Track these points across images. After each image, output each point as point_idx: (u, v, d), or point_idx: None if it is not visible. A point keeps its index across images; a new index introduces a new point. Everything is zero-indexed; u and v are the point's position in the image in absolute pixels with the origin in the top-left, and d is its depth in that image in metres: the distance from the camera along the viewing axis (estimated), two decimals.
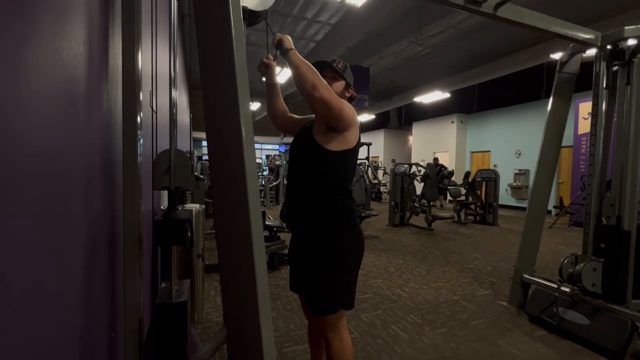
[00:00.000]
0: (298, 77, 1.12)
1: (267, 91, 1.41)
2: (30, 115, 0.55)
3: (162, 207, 2.06)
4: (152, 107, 1.67)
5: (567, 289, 2.16)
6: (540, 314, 2.24)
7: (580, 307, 2.10)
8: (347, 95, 1.30)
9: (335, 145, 1.17)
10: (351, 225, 1.21)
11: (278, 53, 1.25)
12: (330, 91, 1.11)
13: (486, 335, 2.13)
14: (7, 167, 0.48)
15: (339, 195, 1.19)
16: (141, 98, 1.16)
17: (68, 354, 0.71)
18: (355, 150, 1.23)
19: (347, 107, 1.17)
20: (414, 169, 6.85)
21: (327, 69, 1.26)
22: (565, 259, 2.25)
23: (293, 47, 1.20)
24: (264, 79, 1.37)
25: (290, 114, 1.46)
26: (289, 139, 13.53)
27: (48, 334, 0.62)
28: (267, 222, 3.52)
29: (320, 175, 1.18)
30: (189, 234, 1.12)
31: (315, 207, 1.19)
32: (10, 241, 0.49)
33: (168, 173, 1.11)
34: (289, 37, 1.22)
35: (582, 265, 2.07)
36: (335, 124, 1.16)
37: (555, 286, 2.23)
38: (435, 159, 8.73)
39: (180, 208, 1.17)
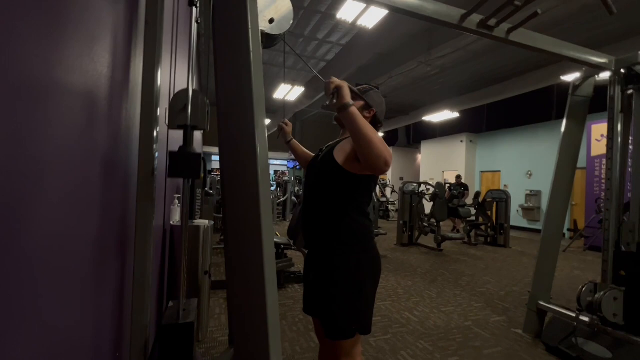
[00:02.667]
0: (369, 148, 0.98)
1: (288, 147, 1.60)
2: (55, 129, 0.56)
3: (172, 222, 2.07)
4: (166, 124, 1.71)
5: (586, 319, 2.06)
6: (559, 345, 2.13)
7: (601, 338, 1.99)
8: (367, 115, 1.27)
9: (355, 169, 1.16)
10: (369, 247, 1.19)
11: (329, 104, 1.06)
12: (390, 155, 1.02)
13: None
14: (32, 177, 0.49)
15: (357, 216, 1.18)
16: (158, 114, 1.19)
17: None
18: (374, 177, 1.22)
19: (389, 152, 1.07)
20: (422, 187, 6.78)
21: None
22: (583, 287, 2.16)
23: (352, 102, 1.03)
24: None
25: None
26: None
27: (53, 351, 0.60)
28: (274, 239, 3.50)
29: (340, 196, 1.17)
30: (202, 174, 1.11)
31: (333, 228, 1.18)
32: (22, 254, 0.49)
33: (185, 111, 1.10)
34: (347, 86, 1.02)
35: (602, 293, 1.98)
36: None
37: (574, 315, 2.13)
38: (458, 177, 8.42)
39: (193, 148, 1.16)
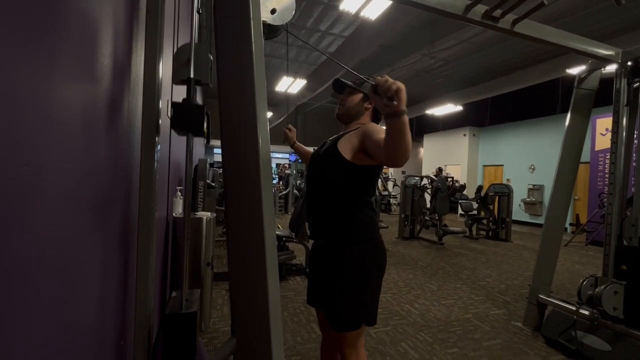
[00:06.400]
0: (401, 147, 0.94)
1: (293, 149, 1.67)
2: (57, 122, 0.56)
3: (174, 214, 2.08)
4: (169, 116, 1.70)
5: (586, 312, 2.07)
6: (558, 337, 2.15)
7: (601, 331, 2.00)
8: (368, 106, 1.28)
9: (359, 161, 1.16)
10: (374, 238, 1.20)
11: (393, 102, 0.88)
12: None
13: (500, 357, 2.05)
14: (33, 173, 0.49)
15: (361, 208, 1.18)
16: (160, 106, 1.18)
17: (80, 358, 0.71)
18: (377, 169, 1.22)
19: None
20: (425, 181, 6.77)
21: (345, 87, 1.27)
22: (584, 280, 2.16)
23: (406, 110, 0.91)
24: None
25: None
26: None
27: (60, 339, 0.62)
28: (276, 232, 3.51)
29: (344, 189, 1.18)
30: (206, 128, 1.10)
31: (338, 220, 1.18)
32: (26, 245, 0.50)
33: (188, 65, 1.10)
34: (404, 91, 0.88)
35: (602, 287, 1.98)
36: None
37: (574, 308, 2.14)
38: (439, 170, 8.34)
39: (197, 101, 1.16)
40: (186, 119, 1.08)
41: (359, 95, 1.27)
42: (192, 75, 1.11)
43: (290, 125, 1.71)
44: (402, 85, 0.86)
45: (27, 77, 0.47)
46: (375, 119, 1.32)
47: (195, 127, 1.09)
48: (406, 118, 0.90)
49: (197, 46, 1.12)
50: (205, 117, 1.10)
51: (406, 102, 0.88)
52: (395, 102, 0.86)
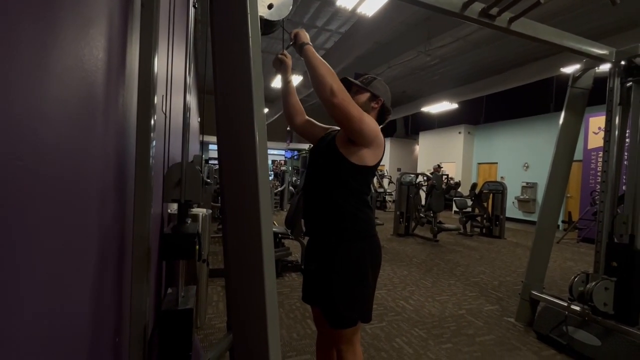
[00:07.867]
0: (316, 78, 1.09)
1: (281, 88, 1.43)
2: (51, 118, 0.55)
3: (169, 210, 2.06)
4: (164, 112, 1.69)
5: (577, 308, 2.11)
6: (549, 333, 2.19)
7: (591, 327, 2.04)
8: (375, 106, 1.27)
9: (355, 158, 1.16)
10: (370, 236, 1.21)
11: (291, 44, 1.24)
12: (350, 99, 1.09)
13: (493, 352, 2.08)
14: (27, 169, 0.48)
15: (358, 205, 1.19)
16: (155, 102, 1.17)
17: (75, 355, 0.71)
18: (373, 169, 1.22)
19: (370, 122, 1.14)
20: (420, 178, 6.81)
21: (352, 86, 1.28)
22: (575, 277, 2.20)
23: (309, 42, 1.18)
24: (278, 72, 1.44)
25: (308, 118, 1.43)
26: (295, 145, 13.57)
27: (55, 335, 0.61)
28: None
29: (341, 185, 1.18)
30: (197, 247, 1.09)
31: (335, 217, 1.19)
32: (22, 243, 0.49)
33: (179, 186, 1.09)
34: (305, 32, 1.21)
35: (593, 284, 2.02)
36: (355, 137, 1.14)
37: (565, 304, 2.18)
38: (437, 167, 8.39)
39: (189, 221, 1.15)
40: (176, 249, 1.07)
41: (366, 95, 1.26)
42: (182, 199, 1.09)
43: (285, 52, 1.35)
44: (298, 30, 1.21)
45: (20, 71, 0.46)
46: (381, 119, 1.31)
47: (187, 254, 1.08)
48: (310, 47, 1.16)
49: (188, 165, 1.12)
50: (196, 239, 1.08)
51: (306, 38, 1.20)
52: (291, 42, 1.23)
